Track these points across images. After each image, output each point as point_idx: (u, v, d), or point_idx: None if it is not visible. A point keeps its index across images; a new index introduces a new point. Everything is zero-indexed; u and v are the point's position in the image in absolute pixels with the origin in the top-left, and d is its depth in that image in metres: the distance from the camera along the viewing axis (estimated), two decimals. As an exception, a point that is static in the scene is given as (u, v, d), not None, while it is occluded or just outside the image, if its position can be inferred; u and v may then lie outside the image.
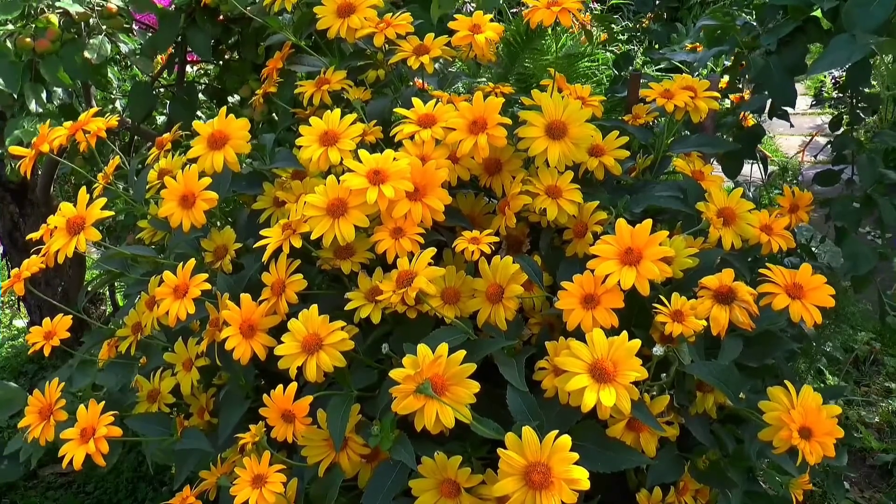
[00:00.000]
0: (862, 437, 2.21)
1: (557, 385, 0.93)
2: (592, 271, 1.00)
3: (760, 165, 1.97)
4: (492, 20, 1.33)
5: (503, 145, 1.13)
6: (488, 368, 1.02)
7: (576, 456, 0.83)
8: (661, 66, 2.40)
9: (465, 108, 1.14)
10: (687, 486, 1.09)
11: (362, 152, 1.09)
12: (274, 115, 1.83)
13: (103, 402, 1.11)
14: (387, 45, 1.36)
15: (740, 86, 1.87)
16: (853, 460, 2.14)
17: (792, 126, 2.02)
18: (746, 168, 2.11)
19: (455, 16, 1.33)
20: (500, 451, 0.84)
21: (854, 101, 1.80)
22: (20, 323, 3.11)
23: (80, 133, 1.31)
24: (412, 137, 1.16)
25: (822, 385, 2.41)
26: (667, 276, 1.00)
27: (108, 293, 2.78)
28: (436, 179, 1.09)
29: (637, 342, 0.91)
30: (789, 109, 1.77)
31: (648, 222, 1.00)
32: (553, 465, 0.82)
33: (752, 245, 1.23)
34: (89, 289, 1.85)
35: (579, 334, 0.93)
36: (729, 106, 1.85)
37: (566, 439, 0.83)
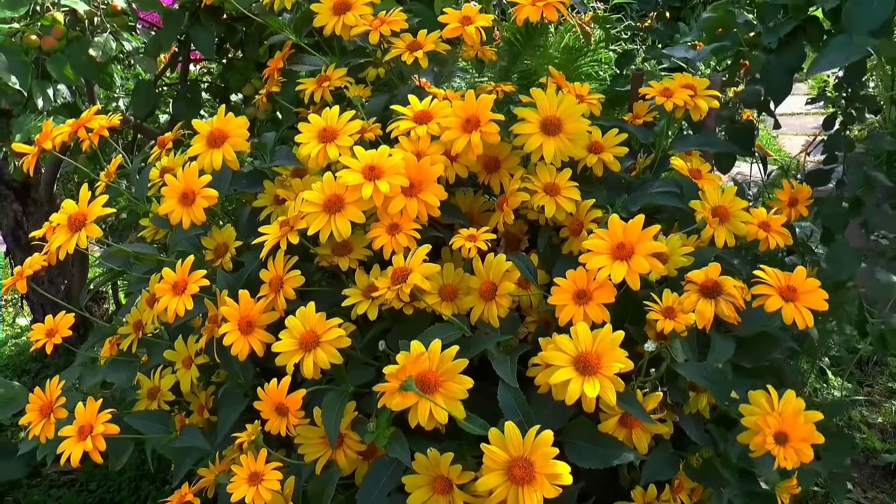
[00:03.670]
0: (865, 438, 2.21)
1: (545, 379, 0.94)
2: (585, 266, 1.01)
3: (760, 164, 1.98)
4: (485, 12, 1.34)
5: (496, 142, 1.14)
6: (487, 367, 1.03)
7: (557, 451, 0.83)
8: (665, 65, 2.41)
9: (458, 107, 1.15)
10: (682, 484, 1.10)
11: (357, 149, 1.10)
12: (277, 113, 1.84)
13: (101, 400, 1.12)
14: (385, 43, 1.38)
15: (740, 83, 1.87)
16: (856, 461, 2.14)
17: (778, 127, 2.02)
18: (747, 167, 2.12)
19: (445, 9, 1.34)
20: (483, 446, 0.85)
21: (848, 100, 1.81)
22: (23, 321, 3.14)
23: (82, 131, 1.33)
24: (408, 134, 1.17)
25: (824, 385, 2.41)
26: (659, 272, 1.00)
27: (110, 291, 2.80)
28: (431, 175, 1.10)
29: (620, 334, 0.91)
30: (794, 108, 1.78)
31: (640, 217, 1.00)
32: (535, 460, 0.83)
33: (749, 242, 1.23)
34: (92, 287, 1.87)
35: (572, 330, 0.94)
36: (726, 100, 1.85)
37: (548, 434, 0.84)
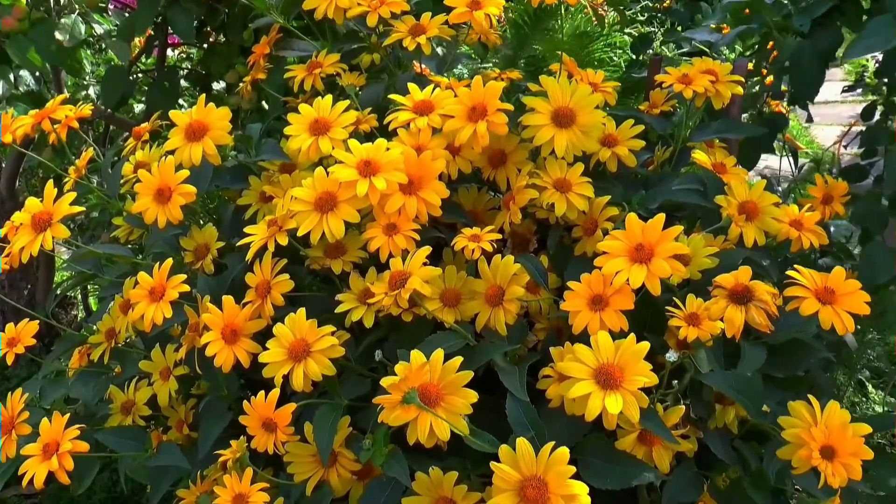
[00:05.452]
0: (909, 459, 2.20)
1: (561, 392, 0.95)
2: (601, 269, 1.01)
3: (790, 158, 1.98)
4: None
5: (504, 133, 1.15)
6: (491, 378, 1.04)
7: (573, 469, 0.84)
8: (685, 49, 2.41)
9: (463, 94, 1.16)
10: (706, 506, 1.10)
11: (352, 142, 1.11)
12: (263, 103, 1.85)
13: (68, 415, 1.12)
14: (382, 27, 1.38)
15: (766, 69, 1.87)
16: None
17: (811, 120, 2.02)
18: (775, 161, 2.12)
19: None
20: (493, 464, 0.85)
21: (890, 88, 1.81)
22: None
23: (46, 122, 1.33)
24: (407, 126, 1.17)
25: (863, 399, 2.40)
26: (681, 275, 1.01)
27: (79, 296, 2.80)
28: (432, 171, 1.11)
29: (646, 345, 0.92)
30: (827, 96, 1.78)
31: (661, 216, 1.01)
32: (549, 480, 0.83)
33: (780, 243, 1.24)
34: (59, 292, 1.87)
35: (586, 339, 0.94)
36: (755, 91, 1.86)
37: (564, 451, 0.84)
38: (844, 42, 1.60)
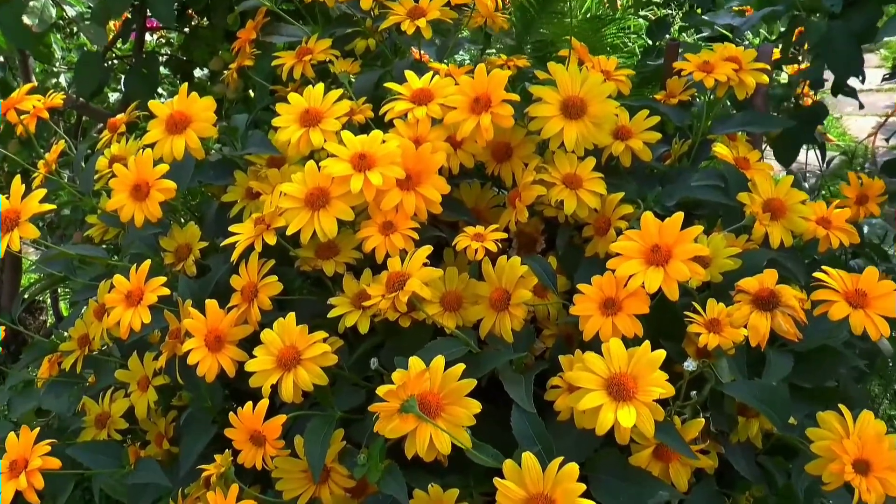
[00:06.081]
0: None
1: (570, 404, 0.95)
2: (613, 272, 1.01)
3: (817, 151, 1.97)
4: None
5: (510, 126, 1.15)
6: (495, 387, 1.04)
7: (583, 487, 0.84)
8: (706, 34, 2.42)
9: (465, 84, 1.16)
10: (728, 527, 1.10)
11: (345, 134, 1.11)
12: (250, 92, 1.85)
13: (37, 430, 1.12)
14: (377, 9, 1.38)
15: (799, 57, 1.87)
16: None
17: (862, 107, 2.01)
18: (802, 155, 2.11)
19: None
20: (496, 480, 0.85)
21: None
22: (-58, 338, 3.13)
23: (12, 113, 1.33)
24: (405, 117, 1.18)
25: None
26: (701, 278, 1.01)
27: (49, 301, 2.81)
28: (431, 165, 1.11)
29: (661, 353, 0.92)
30: (859, 85, 1.77)
31: (679, 215, 1.01)
32: (557, 498, 0.83)
33: (806, 243, 1.24)
34: (26, 296, 1.87)
35: (598, 346, 0.94)
36: (784, 80, 1.86)
37: (573, 467, 0.84)
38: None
